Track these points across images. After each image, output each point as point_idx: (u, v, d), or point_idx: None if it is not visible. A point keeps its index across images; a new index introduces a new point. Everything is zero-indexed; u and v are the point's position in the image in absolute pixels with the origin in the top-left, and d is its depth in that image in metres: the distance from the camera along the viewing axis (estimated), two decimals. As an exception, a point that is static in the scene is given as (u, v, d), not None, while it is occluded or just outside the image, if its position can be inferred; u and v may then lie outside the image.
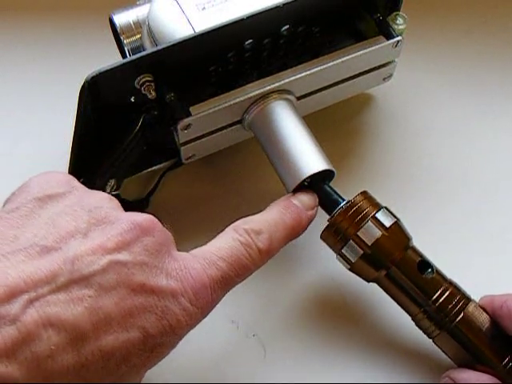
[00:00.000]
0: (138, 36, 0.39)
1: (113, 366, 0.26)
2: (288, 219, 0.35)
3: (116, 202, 0.30)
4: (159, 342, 0.27)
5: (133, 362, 0.27)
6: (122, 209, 0.30)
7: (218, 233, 0.33)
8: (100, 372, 0.26)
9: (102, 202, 0.29)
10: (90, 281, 0.26)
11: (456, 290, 0.35)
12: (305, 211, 0.36)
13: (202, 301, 0.29)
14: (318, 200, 0.37)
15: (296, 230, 0.35)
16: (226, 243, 0.31)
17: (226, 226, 0.33)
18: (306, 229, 0.36)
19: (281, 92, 0.39)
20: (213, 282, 0.29)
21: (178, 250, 0.30)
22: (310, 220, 0.36)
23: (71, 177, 0.31)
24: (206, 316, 0.30)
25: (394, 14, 0.41)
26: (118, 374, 0.26)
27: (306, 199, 0.36)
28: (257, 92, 0.38)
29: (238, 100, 0.38)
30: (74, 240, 0.27)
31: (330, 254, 0.37)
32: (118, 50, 0.41)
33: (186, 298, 0.28)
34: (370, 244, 0.34)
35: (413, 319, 0.36)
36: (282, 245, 0.35)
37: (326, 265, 0.41)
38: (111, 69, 0.34)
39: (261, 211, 0.35)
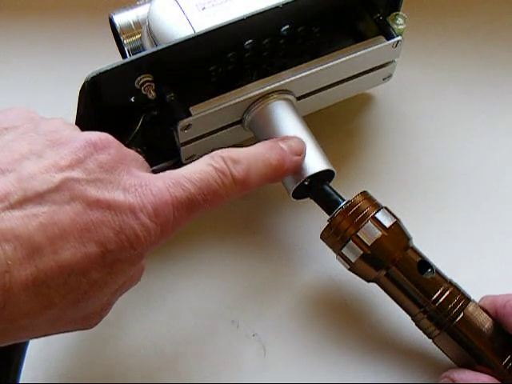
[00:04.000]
0: (138, 36, 0.39)
1: (73, 282, 0.26)
2: (271, 158, 0.34)
3: (73, 125, 0.30)
4: (118, 257, 0.27)
5: (93, 277, 0.26)
6: (78, 130, 0.30)
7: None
8: (62, 289, 0.26)
9: (58, 126, 0.29)
10: (45, 198, 0.26)
11: (456, 289, 0.35)
12: (290, 155, 0.35)
13: (163, 218, 0.28)
14: (305, 148, 0.36)
15: (278, 172, 0.34)
16: (198, 167, 0.31)
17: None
18: (287, 175, 0.35)
19: (281, 92, 0.39)
20: (176, 201, 0.29)
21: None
22: (294, 166, 0.35)
23: (31, 110, 0.31)
24: (167, 236, 0.29)
25: (394, 13, 0.41)
26: (80, 290, 0.26)
27: (293, 144, 0.36)
28: (257, 92, 0.38)
29: (238, 100, 0.38)
30: (28, 161, 0.27)
31: (330, 254, 0.37)
32: (118, 50, 0.41)
33: (145, 213, 0.27)
34: (369, 244, 0.34)
35: (413, 319, 0.36)
36: (261, 182, 0.33)
37: (325, 265, 0.41)
38: (111, 69, 0.34)
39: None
